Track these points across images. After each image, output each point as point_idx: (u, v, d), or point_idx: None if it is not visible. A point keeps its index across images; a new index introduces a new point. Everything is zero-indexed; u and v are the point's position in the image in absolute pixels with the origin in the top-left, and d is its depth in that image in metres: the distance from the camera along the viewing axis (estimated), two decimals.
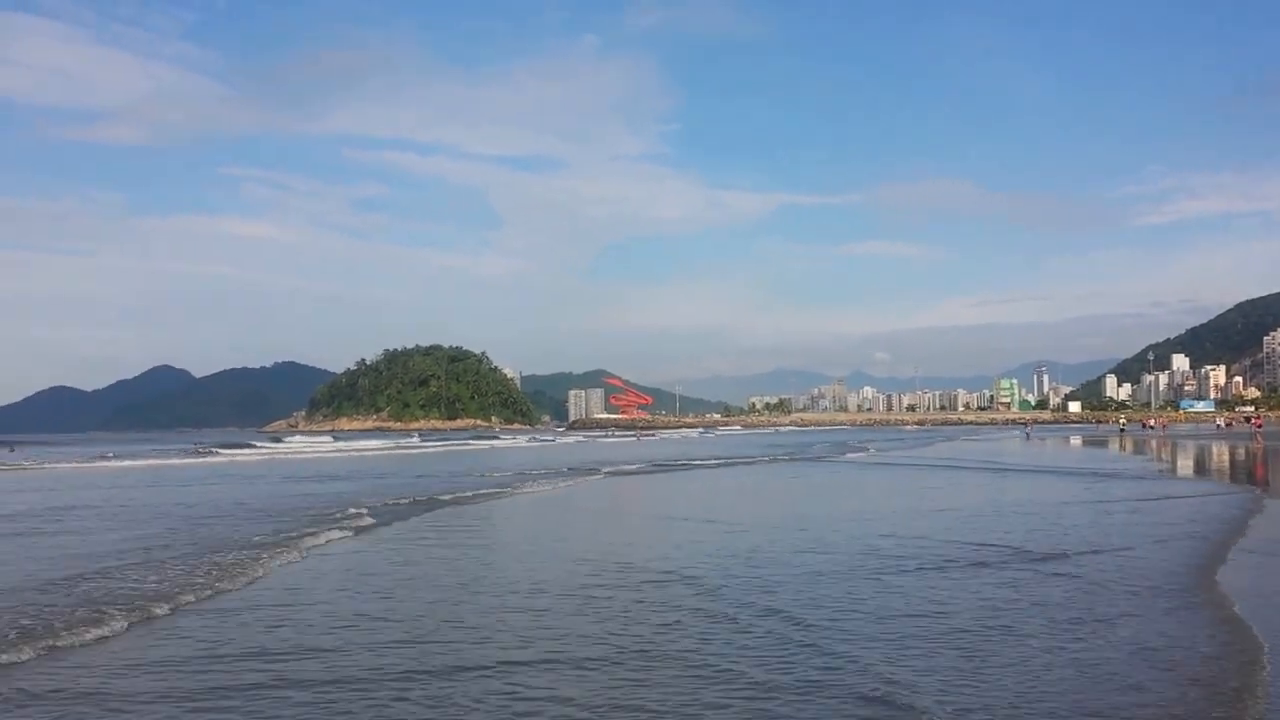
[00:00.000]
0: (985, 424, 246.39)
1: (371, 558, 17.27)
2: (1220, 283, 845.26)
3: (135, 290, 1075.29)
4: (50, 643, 10.47)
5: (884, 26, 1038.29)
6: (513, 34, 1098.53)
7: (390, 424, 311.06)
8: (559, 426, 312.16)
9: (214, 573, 14.91)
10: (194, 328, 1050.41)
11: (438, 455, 73.67)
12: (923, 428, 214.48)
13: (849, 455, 64.64)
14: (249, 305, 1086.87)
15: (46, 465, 57.68)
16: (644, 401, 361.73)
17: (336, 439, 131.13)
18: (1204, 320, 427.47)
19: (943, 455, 62.07)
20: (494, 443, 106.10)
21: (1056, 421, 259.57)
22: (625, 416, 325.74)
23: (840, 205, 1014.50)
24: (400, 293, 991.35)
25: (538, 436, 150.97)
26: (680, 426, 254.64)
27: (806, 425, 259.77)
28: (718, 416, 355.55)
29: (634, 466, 49.22)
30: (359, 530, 21.10)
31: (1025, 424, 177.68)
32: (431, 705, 8.38)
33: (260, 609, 12.41)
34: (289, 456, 72.63)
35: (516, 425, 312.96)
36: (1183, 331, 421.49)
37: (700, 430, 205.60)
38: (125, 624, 11.42)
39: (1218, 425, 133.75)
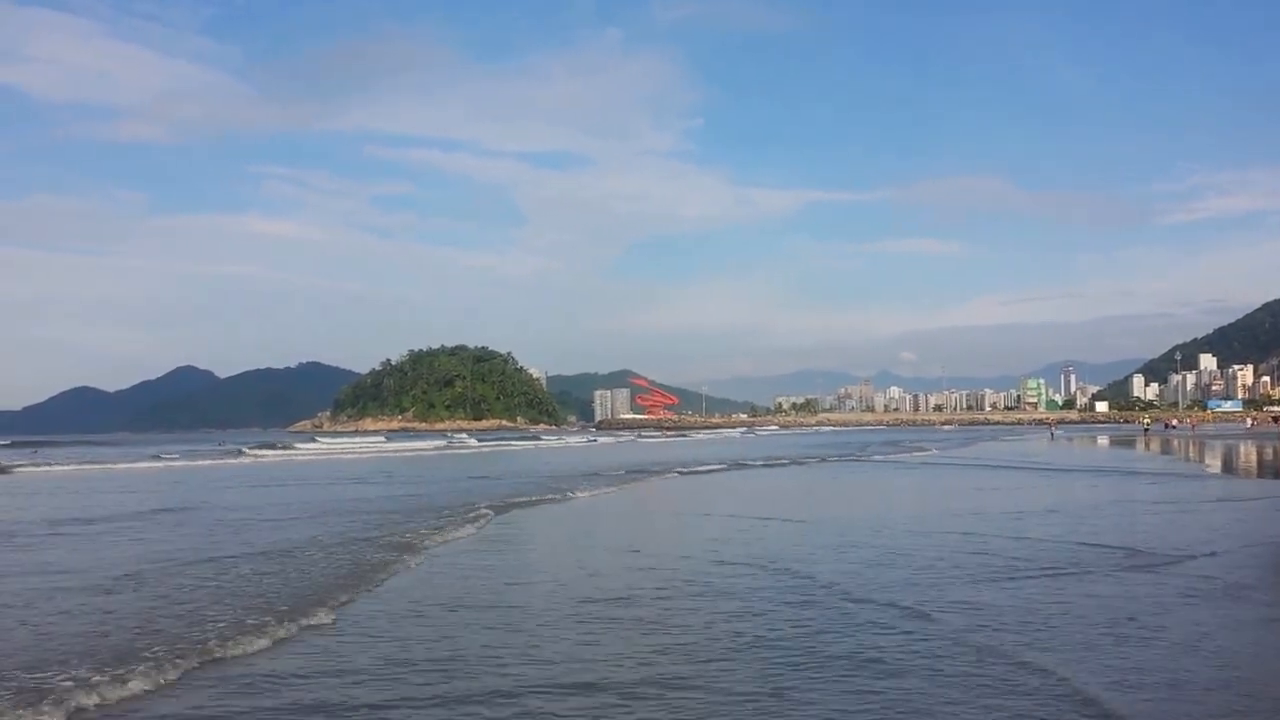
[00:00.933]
0: (1012, 424, 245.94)
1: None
2: (1248, 282, 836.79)
3: (158, 290, 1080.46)
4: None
5: (910, 22, 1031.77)
6: (536, 29, 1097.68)
7: (416, 424, 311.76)
8: (590, 427, 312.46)
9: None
10: (217, 328, 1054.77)
11: (499, 455, 73.84)
12: (963, 428, 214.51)
13: (912, 455, 64.13)
14: (273, 305, 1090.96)
15: (119, 466, 57.42)
16: (670, 401, 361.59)
17: (389, 439, 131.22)
18: (1231, 320, 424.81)
19: (994, 455, 61.97)
20: (537, 443, 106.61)
21: (1084, 421, 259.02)
22: (651, 417, 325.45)
23: (868, 202, 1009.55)
24: (425, 292, 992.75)
25: (570, 436, 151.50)
26: (710, 427, 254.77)
27: (834, 425, 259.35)
28: (744, 416, 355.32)
29: (707, 467, 48.44)
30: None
31: (1050, 424, 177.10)
32: None
33: None
34: (344, 456, 73.11)
35: (542, 425, 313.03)
36: (1210, 331, 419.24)
37: (741, 430, 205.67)
38: None
39: (1248, 424, 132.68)
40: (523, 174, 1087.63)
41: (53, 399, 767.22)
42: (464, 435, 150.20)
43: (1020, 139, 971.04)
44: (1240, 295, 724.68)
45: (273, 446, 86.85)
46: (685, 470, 45.33)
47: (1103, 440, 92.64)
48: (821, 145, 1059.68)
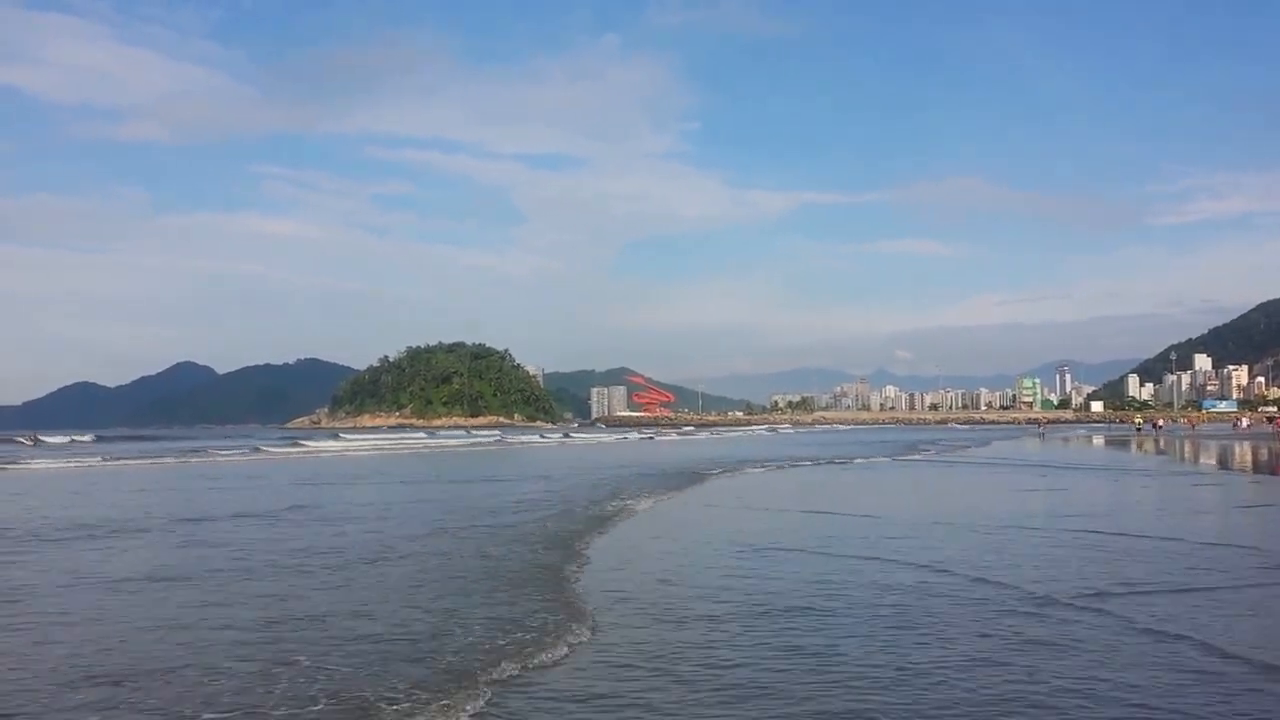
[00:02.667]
0: (1007, 423, 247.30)
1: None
2: (1242, 283, 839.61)
3: (159, 287, 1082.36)
4: None
5: (904, 26, 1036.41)
6: (535, 34, 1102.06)
7: (413, 421, 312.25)
8: (585, 424, 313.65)
9: None
10: (217, 324, 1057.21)
11: (528, 452, 74.35)
12: (974, 426, 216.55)
13: (959, 453, 64.21)
14: (272, 302, 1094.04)
15: (160, 461, 57.15)
16: (666, 399, 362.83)
17: (432, 435, 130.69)
18: (1226, 320, 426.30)
19: (1020, 455, 62.22)
20: (562, 440, 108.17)
21: (1079, 421, 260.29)
22: (648, 414, 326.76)
23: (863, 204, 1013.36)
24: (423, 290, 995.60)
25: (580, 434, 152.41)
26: (708, 424, 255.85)
27: (831, 424, 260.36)
28: (740, 414, 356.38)
29: (761, 467, 47.25)
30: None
31: (1039, 423, 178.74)
32: None
33: None
34: (388, 451, 75.02)
35: (539, 423, 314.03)
36: (1205, 331, 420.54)
37: (765, 427, 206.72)
38: None
39: (1243, 424, 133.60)
40: (522, 175, 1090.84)
41: (52, 394, 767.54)
42: (498, 433, 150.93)
43: (1013, 141, 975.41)
44: (1234, 296, 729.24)
45: (296, 443, 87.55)
46: (767, 466, 46.50)
47: (1098, 440, 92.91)
48: (817, 148, 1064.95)
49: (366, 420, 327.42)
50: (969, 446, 76.44)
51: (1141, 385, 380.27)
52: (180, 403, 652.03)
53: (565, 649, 10.02)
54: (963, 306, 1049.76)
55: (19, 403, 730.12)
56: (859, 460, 54.61)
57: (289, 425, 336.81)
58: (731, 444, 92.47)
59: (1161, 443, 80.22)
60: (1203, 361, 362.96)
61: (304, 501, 28.18)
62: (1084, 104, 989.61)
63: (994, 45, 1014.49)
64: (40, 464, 54.09)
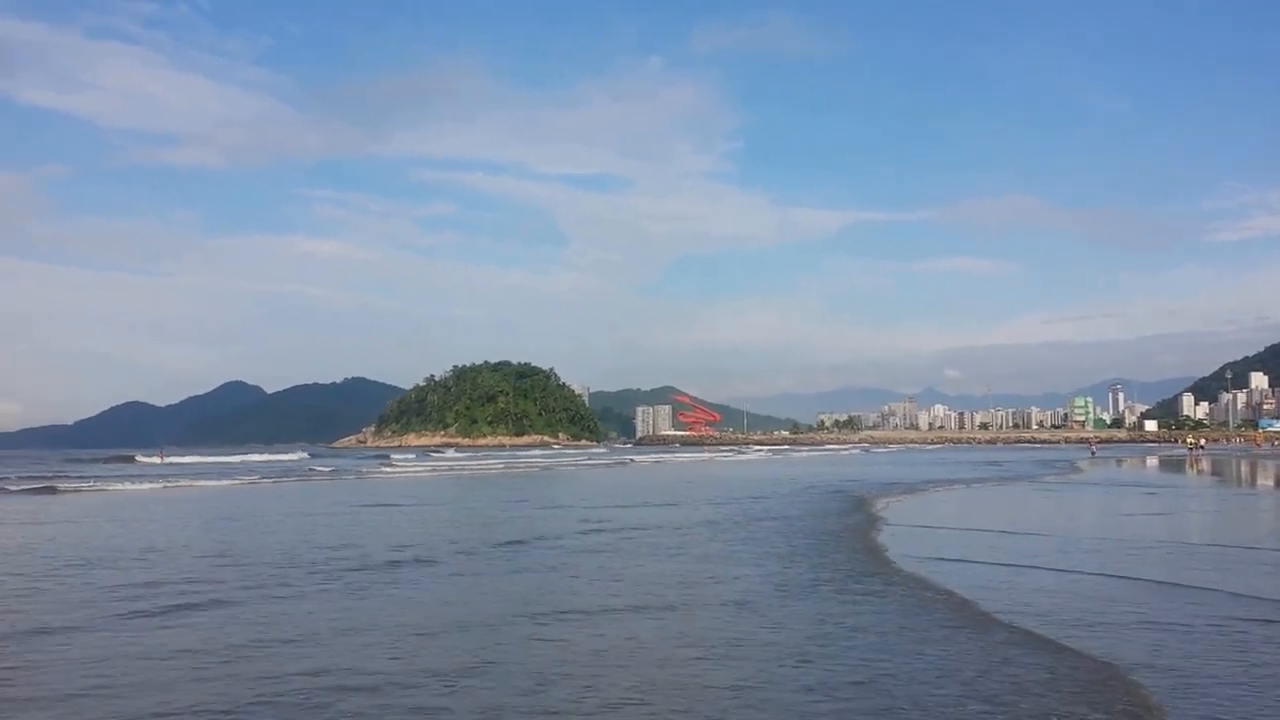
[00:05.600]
0: (1058, 443, 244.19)
1: None
2: None
3: (209, 308, 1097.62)
4: None
5: (950, 43, 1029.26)
6: (579, 57, 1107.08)
7: (458, 440, 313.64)
8: (630, 442, 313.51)
9: None
10: (265, 344, 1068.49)
11: (643, 471, 75.82)
12: (1032, 446, 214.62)
13: (1068, 476, 62.52)
14: (319, 322, 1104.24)
15: (311, 480, 60.51)
16: (712, 418, 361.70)
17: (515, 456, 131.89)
18: None
19: (1115, 477, 61.40)
20: (643, 460, 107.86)
21: (1131, 440, 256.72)
22: (693, 434, 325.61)
23: (910, 222, 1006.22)
24: (468, 310, 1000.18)
25: (645, 455, 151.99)
26: (750, 444, 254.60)
27: (878, 444, 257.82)
28: (786, 434, 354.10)
29: (906, 492, 44.99)
30: None
31: (1090, 443, 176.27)
32: None
33: None
34: (489, 471, 77.48)
35: (584, 442, 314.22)
36: (1261, 349, 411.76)
37: (860, 446, 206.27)
38: None
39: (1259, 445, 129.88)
40: (565, 195, 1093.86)
41: (104, 413, 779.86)
42: (597, 448, 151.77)
43: (1066, 158, 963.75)
44: None
45: (389, 462, 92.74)
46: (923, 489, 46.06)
47: (1151, 461, 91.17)
48: (862, 166, 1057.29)
49: (412, 439, 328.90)
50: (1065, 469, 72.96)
51: (1196, 404, 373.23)
52: (229, 422, 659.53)
53: None
54: (1012, 325, 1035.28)
55: (70, 422, 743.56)
56: (991, 482, 54.49)
57: (336, 445, 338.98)
58: (837, 463, 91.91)
59: (1211, 464, 78.56)
60: (1259, 380, 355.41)
61: (593, 518, 29.68)
62: (1137, 120, 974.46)
63: (1044, 61, 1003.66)
64: (205, 483, 55.83)
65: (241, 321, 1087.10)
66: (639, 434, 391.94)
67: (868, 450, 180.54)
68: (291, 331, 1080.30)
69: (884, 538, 23.35)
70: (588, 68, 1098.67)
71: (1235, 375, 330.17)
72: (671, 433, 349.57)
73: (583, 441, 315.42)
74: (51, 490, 49.61)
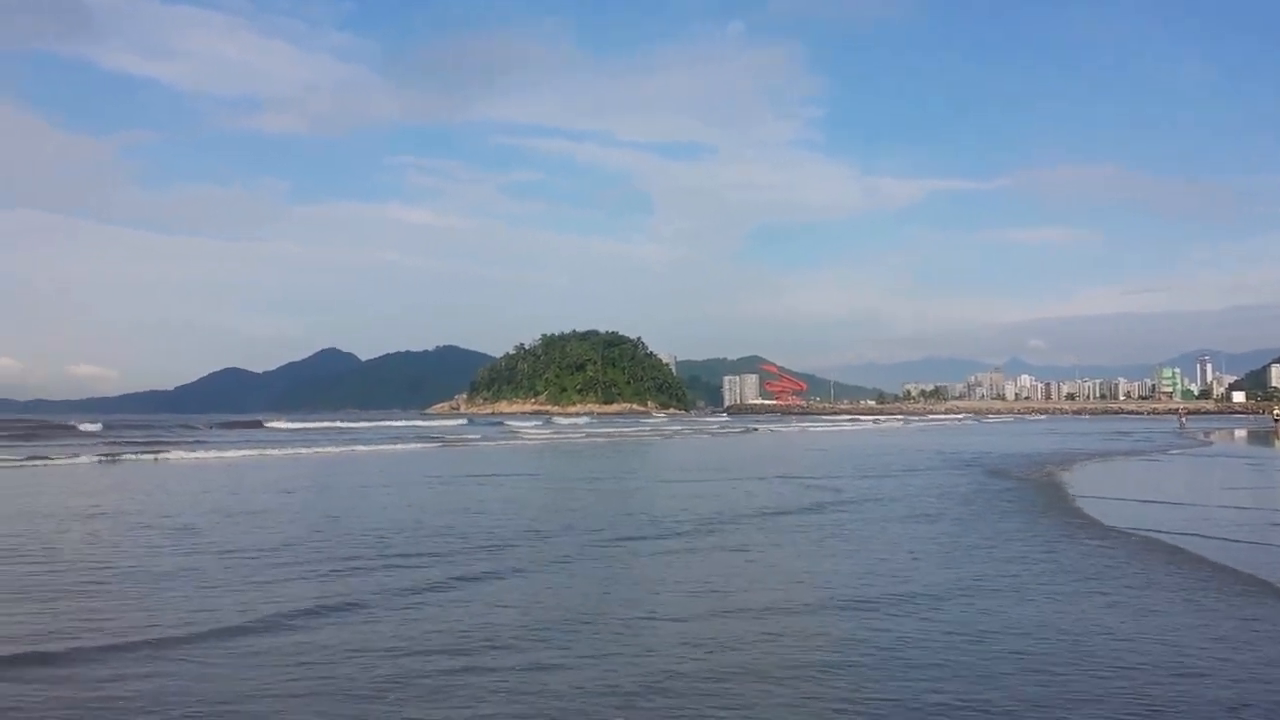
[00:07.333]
0: (1145, 414, 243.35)
1: None
2: None
3: (301, 275, 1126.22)
4: None
5: (1038, 9, 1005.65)
6: (659, 24, 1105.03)
7: (549, 407, 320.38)
8: (716, 412, 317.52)
9: None
10: (359, 312, 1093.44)
11: (796, 437, 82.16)
12: (1119, 416, 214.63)
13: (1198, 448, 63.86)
14: (412, 289, 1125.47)
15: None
16: (799, 388, 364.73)
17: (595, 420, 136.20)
18: None
19: (1240, 450, 63.24)
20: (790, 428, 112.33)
21: (1220, 412, 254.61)
22: (780, 403, 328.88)
23: (993, 190, 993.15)
24: (555, 277, 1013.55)
25: (768, 425, 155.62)
26: (836, 413, 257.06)
27: (966, 414, 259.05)
28: (872, 403, 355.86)
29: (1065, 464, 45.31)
30: None
31: (1179, 414, 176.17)
32: None
33: None
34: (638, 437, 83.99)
35: (672, 410, 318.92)
36: None
37: (969, 416, 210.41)
38: None
39: None
40: (649, 163, 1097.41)
41: (202, 379, 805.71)
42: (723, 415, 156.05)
43: (1151, 127, 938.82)
44: None
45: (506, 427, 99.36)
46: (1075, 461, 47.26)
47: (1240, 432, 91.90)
48: (944, 134, 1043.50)
49: (504, 406, 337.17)
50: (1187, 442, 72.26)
51: None
52: (325, 388, 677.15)
53: None
54: (1094, 294, 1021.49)
55: (171, 387, 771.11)
56: (1157, 454, 55.17)
57: (429, 410, 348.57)
58: (958, 434, 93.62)
59: None
60: None
61: (814, 487, 31.44)
62: (1225, 89, 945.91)
63: (1126, 31, 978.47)
64: (386, 448, 62.77)
65: (335, 289, 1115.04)
66: (726, 403, 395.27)
67: (980, 420, 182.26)
68: (385, 299, 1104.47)
69: (1097, 511, 23.48)
70: (667, 33, 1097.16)
71: None
72: (759, 401, 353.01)
73: (671, 410, 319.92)
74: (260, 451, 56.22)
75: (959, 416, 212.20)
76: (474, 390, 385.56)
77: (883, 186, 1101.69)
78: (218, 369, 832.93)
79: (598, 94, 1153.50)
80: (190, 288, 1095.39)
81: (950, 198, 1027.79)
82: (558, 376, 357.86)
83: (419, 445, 66.57)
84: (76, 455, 49.02)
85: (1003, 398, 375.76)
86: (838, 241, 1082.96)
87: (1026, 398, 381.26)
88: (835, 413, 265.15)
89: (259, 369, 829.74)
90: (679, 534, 20.01)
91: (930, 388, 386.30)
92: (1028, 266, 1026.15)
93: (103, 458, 47.19)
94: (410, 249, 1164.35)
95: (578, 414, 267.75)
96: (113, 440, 69.10)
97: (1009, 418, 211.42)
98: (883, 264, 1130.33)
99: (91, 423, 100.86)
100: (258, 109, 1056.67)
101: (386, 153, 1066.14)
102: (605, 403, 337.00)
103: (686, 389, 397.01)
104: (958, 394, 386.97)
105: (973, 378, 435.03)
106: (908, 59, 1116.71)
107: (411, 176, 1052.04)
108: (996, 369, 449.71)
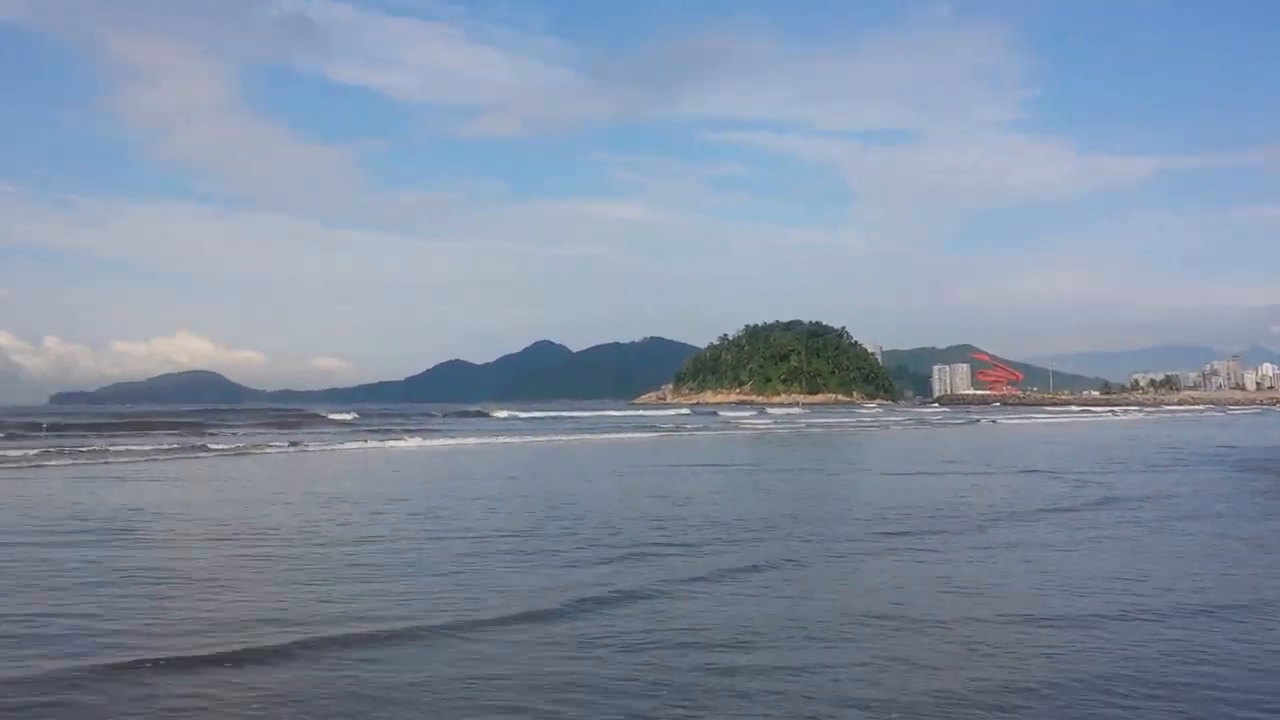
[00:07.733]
0: None
1: None
2: None
3: (518, 270, 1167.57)
4: None
5: None
6: (864, 8, 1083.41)
7: (753, 397, 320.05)
8: (926, 402, 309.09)
9: None
10: (570, 305, 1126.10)
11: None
12: None
13: None
14: (618, 282, 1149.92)
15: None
16: (1014, 377, 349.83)
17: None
18: None
19: None
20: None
21: None
22: (993, 393, 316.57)
23: (1228, 166, 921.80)
24: (759, 268, 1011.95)
25: (1002, 418, 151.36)
26: (1058, 404, 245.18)
27: (1201, 405, 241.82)
28: (1096, 394, 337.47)
29: None
30: None
31: None
32: None
33: None
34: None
35: (879, 400, 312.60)
36: None
37: (1208, 407, 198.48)
38: None
39: None
40: (853, 152, 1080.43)
41: (429, 371, 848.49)
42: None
43: None
44: None
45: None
46: None
47: None
48: (1166, 109, 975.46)
49: (709, 397, 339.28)
50: None
51: None
52: (539, 379, 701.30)
53: None
54: None
55: (402, 378, 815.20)
56: None
57: (636, 400, 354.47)
58: (1210, 426, 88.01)
59: None
60: None
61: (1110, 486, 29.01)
62: None
63: None
64: (633, 435, 67.73)
65: (547, 282, 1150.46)
66: (936, 393, 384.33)
67: (1224, 411, 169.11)
68: (595, 292, 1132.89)
69: None
70: (872, 20, 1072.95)
71: None
72: (971, 391, 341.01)
73: (879, 400, 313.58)
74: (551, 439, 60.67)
75: (1198, 407, 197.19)
76: (679, 381, 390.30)
77: (1106, 165, 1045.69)
78: (442, 361, 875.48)
79: (801, 84, 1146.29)
80: (421, 286, 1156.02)
81: (1184, 175, 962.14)
82: (762, 366, 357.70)
83: (642, 434, 69.90)
84: (343, 443, 55.50)
85: (1242, 388, 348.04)
86: (1055, 225, 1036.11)
87: (1270, 388, 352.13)
88: (1056, 403, 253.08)
89: (479, 360, 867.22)
90: (958, 532, 19.34)
91: (1160, 377, 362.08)
92: (1272, 247, 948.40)
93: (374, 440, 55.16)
94: (618, 243, 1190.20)
95: (784, 404, 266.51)
96: (369, 429, 75.04)
97: (1256, 409, 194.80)
98: (1106, 247, 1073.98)
99: (343, 412, 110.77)
100: (475, 114, 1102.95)
101: (594, 150, 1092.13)
102: (810, 393, 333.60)
103: (893, 379, 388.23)
104: (1191, 384, 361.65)
105: (1209, 366, 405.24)
106: (1124, 34, 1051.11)
107: (619, 173, 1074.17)
108: (1234, 357, 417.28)
